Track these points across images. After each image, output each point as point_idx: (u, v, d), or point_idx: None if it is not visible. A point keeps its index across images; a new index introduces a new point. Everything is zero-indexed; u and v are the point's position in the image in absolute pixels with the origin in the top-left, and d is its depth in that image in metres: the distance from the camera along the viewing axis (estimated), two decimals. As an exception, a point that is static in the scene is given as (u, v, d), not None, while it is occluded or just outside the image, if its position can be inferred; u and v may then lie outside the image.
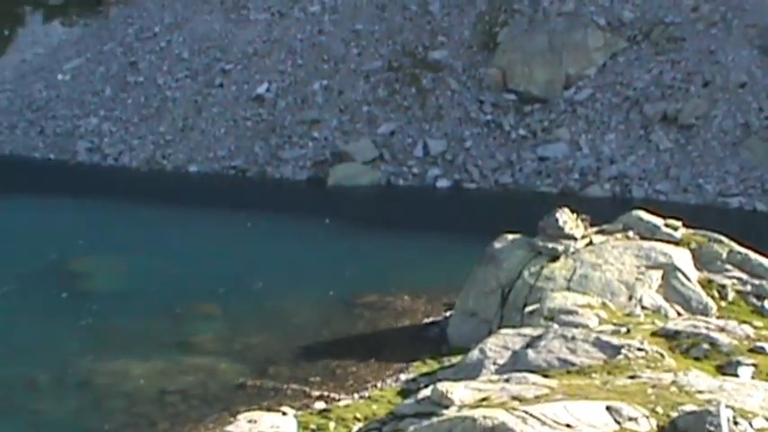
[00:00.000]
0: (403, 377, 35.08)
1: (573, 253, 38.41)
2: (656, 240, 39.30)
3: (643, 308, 35.02)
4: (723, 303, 36.46)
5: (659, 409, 19.35)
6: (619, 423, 18.74)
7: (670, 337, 28.13)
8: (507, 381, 23.46)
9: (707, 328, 28.75)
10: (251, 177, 66.07)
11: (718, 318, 33.33)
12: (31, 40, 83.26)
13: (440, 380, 27.48)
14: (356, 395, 33.72)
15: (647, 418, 19.04)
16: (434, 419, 20.60)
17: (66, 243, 52.11)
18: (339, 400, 33.40)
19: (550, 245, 38.54)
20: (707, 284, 37.32)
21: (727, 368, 25.41)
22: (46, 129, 74.62)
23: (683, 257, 38.22)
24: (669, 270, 37.30)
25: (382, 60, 70.55)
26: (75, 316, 42.16)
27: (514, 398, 21.50)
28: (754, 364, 25.56)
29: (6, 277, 46.24)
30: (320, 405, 32.78)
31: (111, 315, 41.99)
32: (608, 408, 19.33)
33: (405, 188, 62.93)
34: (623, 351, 25.87)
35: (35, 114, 76.13)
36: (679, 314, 34.78)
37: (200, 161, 68.35)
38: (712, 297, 36.56)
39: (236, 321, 41.51)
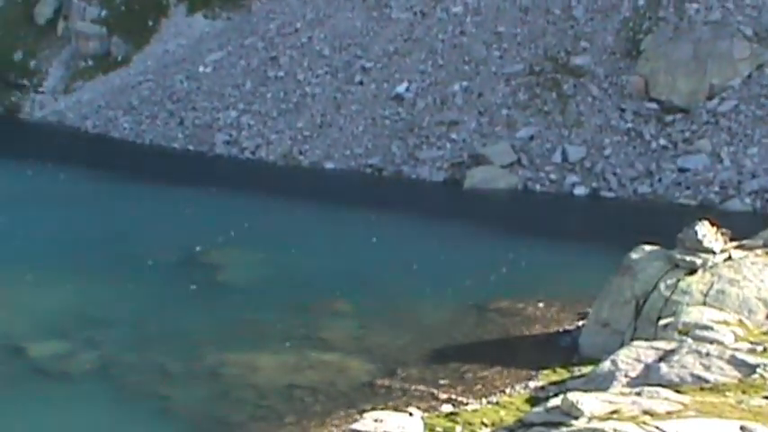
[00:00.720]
0: (532, 385, 34.62)
1: (711, 267, 37.45)
2: (799, 258, 38.18)
3: (781, 326, 34.04)
4: None
5: (795, 432, 18.69)
6: (752, 444, 18.21)
7: (809, 357, 27.26)
8: (639, 394, 23.09)
9: None
10: (387, 177, 65.99)
11: None
12: (174, 32, 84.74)
13: (569, 390, 27.13)
14: (484, 400, 33.37)
15: (782, 439, 18.46)
16: (563, 430, 20.29)
17: (202, 234, 52.81)
18: (467, 404, 33.12)
19: (688, 258, 37.64)
20: None
21: None
22: (185, 120, 75.77)
23: (826, 276, 37.04)
24: (811, 289, 36.20)
25: (524, 64, 69.85)
26: (207, 306, 42.72)
27: (646, 412, 21.11)
28: None
29: (143, 266, 47.11)
30: (447, 408, 32.57)
31: (242, 307, 42.39)
32: (742, 428, 18.86)
33: (541, 194, 62.17)
34: (759, 370, 25.25)
35: (175, 105, 77.39)
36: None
37: (337, 158, 68.55)
38: None
39: (366, 319, 41.42)
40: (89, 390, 34.98)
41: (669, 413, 20.84)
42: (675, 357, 26.84)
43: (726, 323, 32.49)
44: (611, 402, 22.25)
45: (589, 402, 21.87)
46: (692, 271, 37.39)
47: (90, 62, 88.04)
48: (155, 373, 35.90)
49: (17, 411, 32.88)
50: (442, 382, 35.18)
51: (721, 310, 34.49)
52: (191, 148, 73.32)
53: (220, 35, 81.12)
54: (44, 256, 48.35)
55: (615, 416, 20.87)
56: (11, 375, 35.93)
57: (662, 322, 34.31)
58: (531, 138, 65.86)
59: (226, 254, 49.44)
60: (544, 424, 22.27)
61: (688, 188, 61.98)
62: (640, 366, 27.68)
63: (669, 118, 65.73)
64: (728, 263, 37.95)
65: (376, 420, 28.10)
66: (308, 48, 76.45)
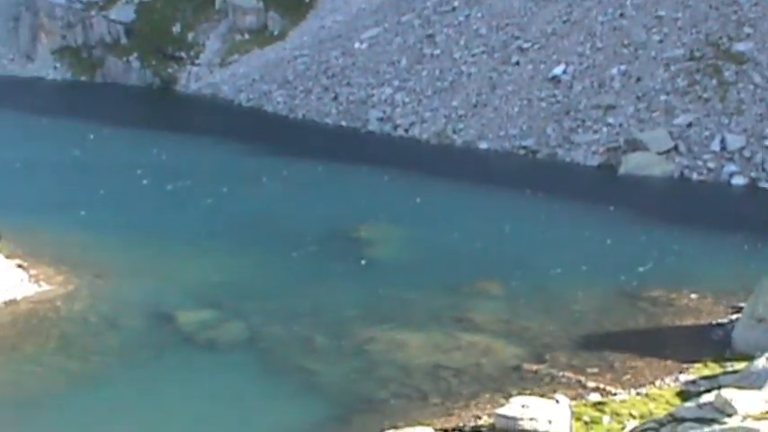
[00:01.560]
0: (682, 378, 33.86)
1: None
2: None
3: None
4: None
5: None
6: None
7: None
8: (795, 394, 22.30)
9: None
10: (541, 159, 65.32)
11: None
12: (330, 8, 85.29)
13: (722, 386, 26.40)
14: (633, 391, 32.75)
15: None
16: (716, 427, 19.79)
17: (353, 212, 53.14)
18: (615, 393, 32.57)
19: None
20: None
21: None
22: (340, 96, 76.21)
23: None
24: None
25: (684, 49, 68.23)
26: (356, 282, 42.93)
27: (802, 413, 20.39)
28: None
29: (294, 241, 47.54)
30: (595, 397, 32.07)
31: (391, 284, 42.42)
32: None
33: (697, 182, 60.73)
34: None
35: (330, 81, 77.88)
36: None
37: (491, 138, 68.08)
38: None
39: (515, 302, 41.04)
40: (236, 360, 35.38)
41: (827, 415, 20.26)
42: (834, 357, 26.05)
43: None
44: (766, 401, 21.67)
45: (743, 400, 21.31)
46: None
47: (246, 36, 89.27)
48: (301, 347, 36.15)
49: (167, 378, 33.55)
50: (590, 369, 34.60)
51: None
52: (344, 124, 73.73)
53: (377, 12, 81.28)
54: (200, 229, 49.30)
55: (771, 415, 20.37)
56: (162, 343, 36.62)
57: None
58: (690, 125, 64.32)
59: (376, 231, 49.56)
60: (696, 420, 21.77)
61: None
62: (797, 365, 26.94)
63: (836, 109, 63.67)
64: None
65: (523, 406, 27.89)
66: (465, 26, 76.07)
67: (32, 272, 41.36)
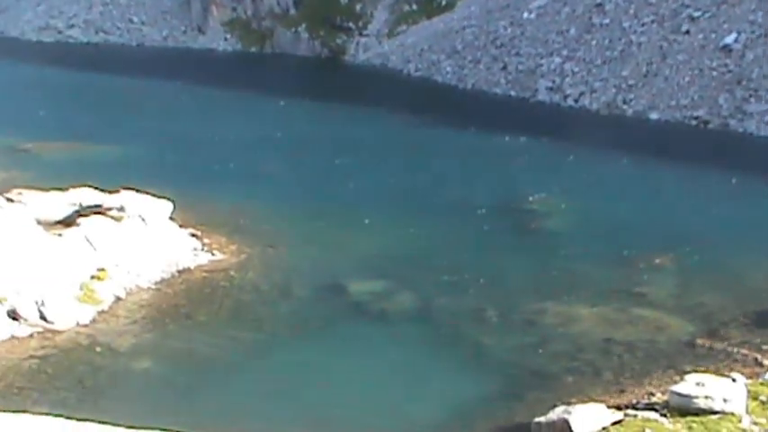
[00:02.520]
0: None
1: None
2: None
3: None
4: None
5: None
6: None
7: None
8: None
9: None
10: (712, 129, 63.85)
11: None
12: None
13: None
14: (813, 370, 31.73)
15: None
16: None
17: (523, 182, 52.86)
18: (793, 372, 31.62)
19: None
20: None
21: None
22: (509, 65, 75.83)
23: None
24: None
25: None
26: (527, 254, 42.62)
27: None
28: None
29: (464, 212, 47.48)
30: (772, 376, 31.20)
31: (561, 257, 41.97)
32: None
33: None
34: None
35: (499, 51, 77.54)
36: None
37: (662, 109, 66.86)
38: None
39: (687, 276, 40.09)
40: (405, 331, 35.33)
41: None
42: None
43: None
44: None
45: None
46: None
47: (414, 6, 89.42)
48: (471, 320, 35.94)
49: (337, 348, 33.75)
50: (766, 347, 33.69)
51: None
52: (512, 93, 73.41)
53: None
54: (370, 200, 49.57)
55: None
56: (332, 313, 36.86)
57: None
58: None
59: (547, 203, 49.01)
60: None
61: None
62: None
63: None
64: None
65: (698, 384, 27.30)
66: (634, -5, 74.84)
67: (206, 241, 42.15)
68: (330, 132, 63.94)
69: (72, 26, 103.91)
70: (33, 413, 23.81)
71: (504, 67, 75.45)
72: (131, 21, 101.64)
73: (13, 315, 33.78)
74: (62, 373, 31.14)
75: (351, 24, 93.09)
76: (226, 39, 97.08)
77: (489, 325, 35.60)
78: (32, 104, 72.13)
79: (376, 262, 41.29)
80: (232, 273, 39.39)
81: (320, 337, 34.77)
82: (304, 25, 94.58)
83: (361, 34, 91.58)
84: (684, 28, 71.14)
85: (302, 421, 28.60)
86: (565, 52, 73.91)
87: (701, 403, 26.58)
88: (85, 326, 34.21)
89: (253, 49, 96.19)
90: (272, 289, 38.60)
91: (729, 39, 68.72)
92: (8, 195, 42.91)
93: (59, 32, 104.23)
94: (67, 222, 40.93)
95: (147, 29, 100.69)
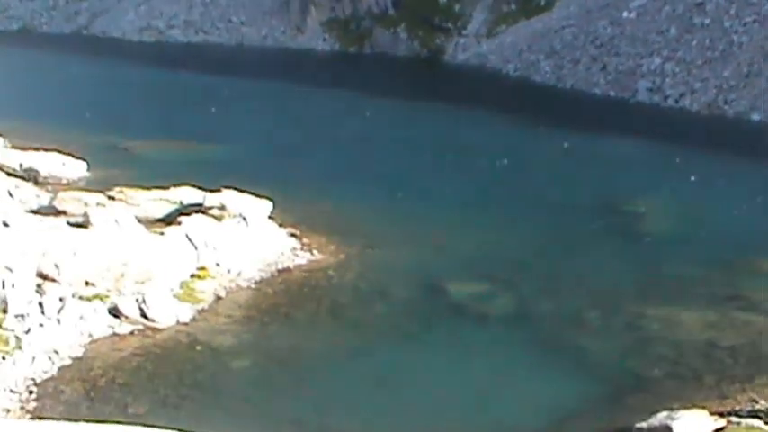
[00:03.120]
0: None
1: None
2: None
3: None
4: None
5: None
6: None
7: None
8: None
9: None
10: (816, 132, 62.52)
11: None
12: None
13: None
14: None
15: None
16: None
17: (623, 183, 52.32)
18: None
19: None
20: None
21: None
22: (608, 66, 75.05)
23: None
24: None
25: None
26: (628, 257, 42.09)
27: None
28: None
29: (565, 214, 47.07)
30: None
31: (663, 260, 41.28)
32: None
33: None
34: None
35: (598, 51, 76.79)
36: None
37: (763, 110, 65.60)
38: None
39: (795, 282, 39.32)
40: (505, 334, 35.06)
41: None
42: None
43: None
44: None
45: None
46: None
47: (513, 6, 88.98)
48: (571, 322, 35.54)
49: (436, 349, 33.65)
50: None
51: None
52: (612, 94, 72.65)
53: (636, -19, 79.54)
54: (470, 201, 49.36)
55: None
56: (431, 314, 36.71)
57: None
58: None
59: (648, 205, 48.34)
60: None
61: None
62: None
63: None
64: None
65: (804, 391, 26.82)
66: (737, -6, 73.58)
67: (305, 241, 42.28)
68: (429, 133, 63.86)
69: (172, 26, 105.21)
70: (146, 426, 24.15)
71: (604, 68, 74.66)
72: (230, 21, 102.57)
73: (115, 312, 34.25)
74: (162, 370, 31.47)
75: (449, 24, 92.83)
76: (324, 39, 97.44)
77: (591, 328, 35.24)
78: (133, 104, 73.19)
79: (477, 263, 41.08)
80: (331, 273, 39.47)
81: (419, 338, 34.70)
82: (403, 25, 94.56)
83: (459, 34, 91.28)
84: (787, 27, 69.93)
85: (400, 423, 28.58)
86: (665, 52, 72.89)
87: (808, 411, 26.07)
88: (185, 324, 34.55)
89: (351, 49, 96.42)
90: (371, 289, 38.56)
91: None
92: (110, 193, 43.54)
93: (160, 33, 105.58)
94: (169, 221, 41.39)
95: (246, 29, 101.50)
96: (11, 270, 34.49)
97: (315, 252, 41.24)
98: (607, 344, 33.90)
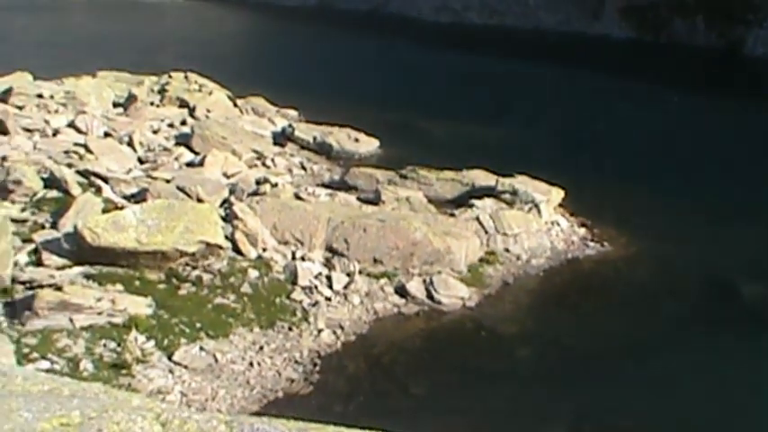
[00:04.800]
0: None
1: None
2: None
3: None
4: None
5: None
6: None
7: None
8: None
9: None
10: None
11: None
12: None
13: None
14: None
15: None
16: None
17: None
18: None
19: None
20: None
21: None
22: None
23: None
24: None
25: None
26: None
27: None
28: None
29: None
30: None
31: None
32: None
33: None
34: None
35: None
36: None
37: None
38: None
39: None
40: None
41: None
42: None
43: None
44: None
45: None
46: None
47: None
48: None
49: (724, 353, 31.88)
50: None
51: None
52: None
53: None
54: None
55: None
56: (723, 316, 34.94)
57: None
58: None
59: None
60: None
61: None
62: None
63: None
64: None
65: None
66: None
67: (595, 231, 41.17)
68: (725, 130, 61.29)
69: (468, 8, 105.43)
70: None
71: None
72: (527, 4, 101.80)
73: (401, 292, 34.17)
74: (445, 354, 31.19)
75: (750, 16, 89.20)
76: (620, 26, 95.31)
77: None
78: (425, 83, 73.68)
79: (762, 260, 38.88)
80: (621, 266, 38.30)
81: (707, 340, 32.94)
82: (701, 16, 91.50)
83: (760, 26, 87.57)
84: None
85: (677, 425, 27.22)
86: None
87: None
88: (471, 309, 34.12)
89: (647, 38, 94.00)
90: (661, 286, 37.10)
91: None
92: (402, 172, 43.77)
93: (456, 14, 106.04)
94: (459, 203, 41.16)
95: (542, 13, 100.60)
96: (301, 243, 34.99)
97: (605, 244, 40.05)
98: None
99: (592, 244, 40.04)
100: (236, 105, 59.74)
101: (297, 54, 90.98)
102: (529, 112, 63.88)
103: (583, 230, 41.22)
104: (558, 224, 40.98)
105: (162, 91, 60.83)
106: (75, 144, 45.65)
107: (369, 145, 52.77)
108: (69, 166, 40.44)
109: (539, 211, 40.40)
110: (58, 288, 29.48)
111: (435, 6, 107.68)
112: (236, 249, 34.07)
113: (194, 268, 32.62)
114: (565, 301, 35.42)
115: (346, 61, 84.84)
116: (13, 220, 33.46)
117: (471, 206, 39.84)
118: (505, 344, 32.20)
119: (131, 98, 56.00)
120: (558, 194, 41.88)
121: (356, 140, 52.69)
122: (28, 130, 47.29)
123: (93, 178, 38.96)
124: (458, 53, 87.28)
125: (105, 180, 39.05)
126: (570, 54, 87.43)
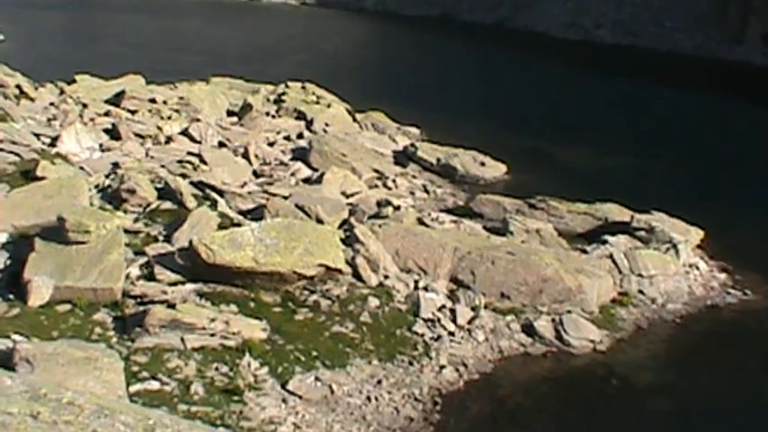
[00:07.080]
0: None
1: None
2: None
3: None
4: None
5: None
6: None
7: None
8: None
9: None
10: None
11: None
12: None
13: None
14: None
15: None
16: None
17: None
18: None
19: None
20: None
21: None
22: None
23: None
24: None
25: None
26: None
27: None
28: None
29: None
30: None
31: None
32: None
33: None
34: None
35: None
36: None
37: None
38: None
39: None
40: None
41: None
42: None
43: None
44: None
45: None
46: None
47: None
48: None
49: None
50: None
51: None
52: None
53: None
54: None
55: None
56: None
57: None
58: None
59: None
60: None
61: None
62: None
63: None
64: None
65: None
66: None
67: (737, 277, 38.65)
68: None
69: (600, 26, 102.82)
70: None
71: None
72: (663, 25, 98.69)
73: (528, 330, 32.26)
74: (574, 401, 29.21)
75: None
76: (763, 52, 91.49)
77: None
78: (554, 106, 71.61)
79: None
80: (765, 317, 35.68)
81: None
82: None
83: None
84: None
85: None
86: None
87: None
88: (602, 353, 32.08)
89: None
90: (806, 340, 34.45)
91: None
92: (531, 201, 41.95)
93: (586, 31, 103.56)
94: (591, 238, 39.11)
95: (679, 35, 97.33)
96: (425, 272, 33.32)
97: (748, 291, 37.52)
98: None
99: (733, 291, 37.53)
100: (355, 120, 58.38)
101: (418, 67, 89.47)
102: (667, 143, 61.30)
103: (723, 275, 38.74)
104: (698, 267, 38.59)
105: (278, 101, 59.81)
106: (189, 153, 44.72)
107: (495, 170, 50.97)
108: (183, 176, 39.41)
109: (677, 252, 38.07)
110: (171, 305, 28.32)
111: (565, 23, 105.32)
112: (357, 275, 32.49)
113: (312, 292, 31.17)
114: (704, 352, 33.05)
115: (470, 77, 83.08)
116: (126, 231, 32.37)
117: (604, 242, 37.76)
118: (639, 395, 30.00)
119: (246, 107, 55.01)
120: (697, 235, 39.58)
121: (482, 164, 50.90)
122: (140, 136, 46.51)
123: (208, 191, 37.83)
124: (589, 74, 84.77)
125: (221, 193, 37.92)
126: (711, 80, 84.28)
